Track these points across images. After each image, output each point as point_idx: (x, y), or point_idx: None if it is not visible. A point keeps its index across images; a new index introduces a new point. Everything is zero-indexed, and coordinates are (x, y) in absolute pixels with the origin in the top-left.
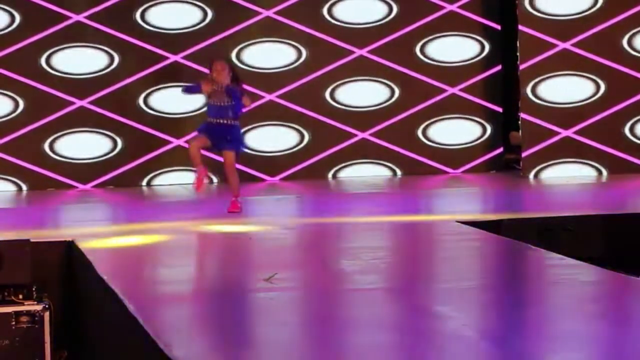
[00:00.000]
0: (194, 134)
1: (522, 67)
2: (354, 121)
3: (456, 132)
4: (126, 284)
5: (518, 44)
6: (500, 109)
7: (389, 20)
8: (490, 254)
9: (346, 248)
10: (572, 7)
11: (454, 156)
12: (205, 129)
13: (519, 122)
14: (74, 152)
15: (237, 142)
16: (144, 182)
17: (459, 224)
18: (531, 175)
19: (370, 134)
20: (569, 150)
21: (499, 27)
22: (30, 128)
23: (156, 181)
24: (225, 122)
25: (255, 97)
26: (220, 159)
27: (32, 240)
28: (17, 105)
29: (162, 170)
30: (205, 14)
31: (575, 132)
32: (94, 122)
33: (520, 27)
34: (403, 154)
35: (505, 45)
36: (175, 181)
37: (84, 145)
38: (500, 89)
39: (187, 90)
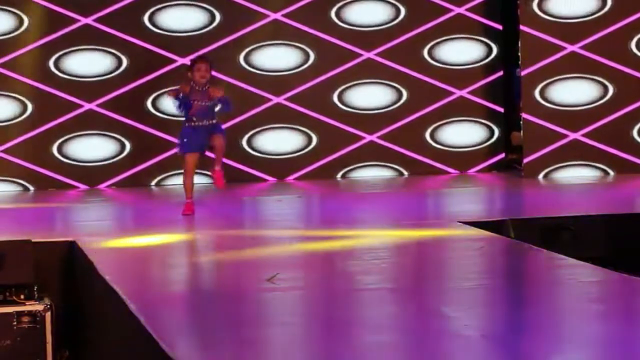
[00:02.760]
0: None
1: (523, 67)
2: (361, 123)
3: (464, 134)
4: (128, 284)
5: (520, 45)
6: (501, 110)
7: (396, 22)
8: (492, 254)
9: (348, 248)
10: (577, 9)
11: (462, 159)
12: (191, 143)
13: (521, 123)
14: (82, 155)
15: (220, 130)
16: (152, 185)
17: (460, 223)
18: (533, 176)
19: (378, 137)
20: (572, 151)
21: (501, 29)
22: (38, 131)
23: (163, 184)
24: (208, 123)
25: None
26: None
27: (33, 240)
28: (25, 108)
29: (170, 173)
30: (213, 16)
31: (575, 132)
32: (102, 125)
33: (522, 28)
34: (411, 156)
35: (507, 47)
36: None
37: (92, 148)
38: (504, 90)
39: (181, 106)
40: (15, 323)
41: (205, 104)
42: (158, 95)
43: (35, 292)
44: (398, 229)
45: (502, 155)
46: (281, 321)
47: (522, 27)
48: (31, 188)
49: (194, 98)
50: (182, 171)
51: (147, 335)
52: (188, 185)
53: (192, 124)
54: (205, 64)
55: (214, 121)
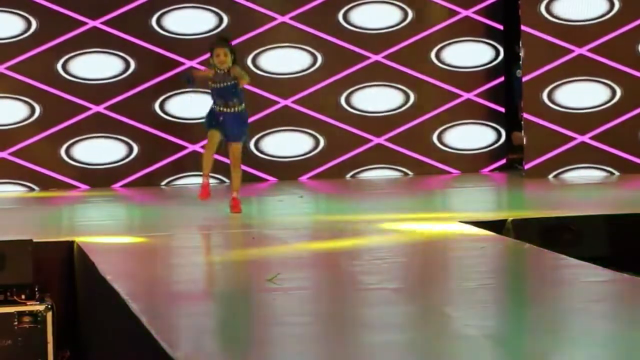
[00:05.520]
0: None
1: (524, 68)
2: (369, 126)
3: (472, 136)
4: (129, 284)
5: (521, 46)
6: (503, 110)
7: (404, 25)
8: (493, 254)
9: (349, 248)
10: (583, 12)
11: (470, 161)
12: (212, 121)
13: (522, 123)
14: (90, 158)
15: (241, 132)
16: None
17: (462, 224)
18: (534, 176)
19: (385, 139)
20: (575, 153)
21: (502, 29)
22: (46, 133)
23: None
24: (230, 110)
25: (245, 79)
26: (225, 160)
27: (34, 240)
28: (33, 110)
29: (178, 175)
30: (221, 19)
31: (577, 133)
32: (110, 128)
33: (523, 28)
34: (419, 159)
35: (508, 48)
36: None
37: (99, 151)
38: (505, 91)
39: (186, 79)
40: (16, 323)
41: (222, 85)
42: (166, 98)
43: (36, 292)
44: (399, 229)
45: (507, 156)
46: (281, 321)
47: (523, 28)
48: (37, 190)
49: (215, 81)
50: (189, 174)
51: (148, 335)
52: (204, 161)
53: (213, 106)
54: (222, 49)
55: (237, 109)
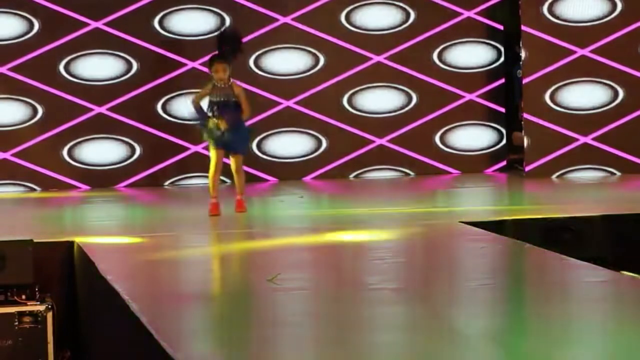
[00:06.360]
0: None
1: (524, 68)
2: (371, 127)
3: (474, 137)
4: (129, 283)
5: (521, 46)
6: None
7: (406, 26)
8: (493, 254)
9: (349, 248)
10: (584, 13)
11: (473, 161)
12: (213, 134)
13: (522, 123)
14: (92, 159)
15: (243, 144)
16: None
17: (462, 224)
18: (534, 176)
19: (388, 140)
20: (576, 153)
21: (502, 29)
22: (48, 134)
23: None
24: (229, 120)
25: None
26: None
27: (35, 240)
28: (35, 111)
29: (181, 176)
30: (223, 20)
31: (578, 133)
32: (112, 129)
33: (524, 29)
34: (421, 159)
35: (509, 48)
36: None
37: (102, 152)
38: (505, 91)
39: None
40: (16, 323)
41: (221, 99)
42: (168, 99)
43: (37, 293)
44: (400, 229)
45: (508, 156)
46: (284, 321)
47: (523, 28)
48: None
49: (214, 94)
50: (192, 174)
51: (148, 335)
52: (210, 183)
53: (210, 117)
54: (221, 65)
55: (234, 118)
